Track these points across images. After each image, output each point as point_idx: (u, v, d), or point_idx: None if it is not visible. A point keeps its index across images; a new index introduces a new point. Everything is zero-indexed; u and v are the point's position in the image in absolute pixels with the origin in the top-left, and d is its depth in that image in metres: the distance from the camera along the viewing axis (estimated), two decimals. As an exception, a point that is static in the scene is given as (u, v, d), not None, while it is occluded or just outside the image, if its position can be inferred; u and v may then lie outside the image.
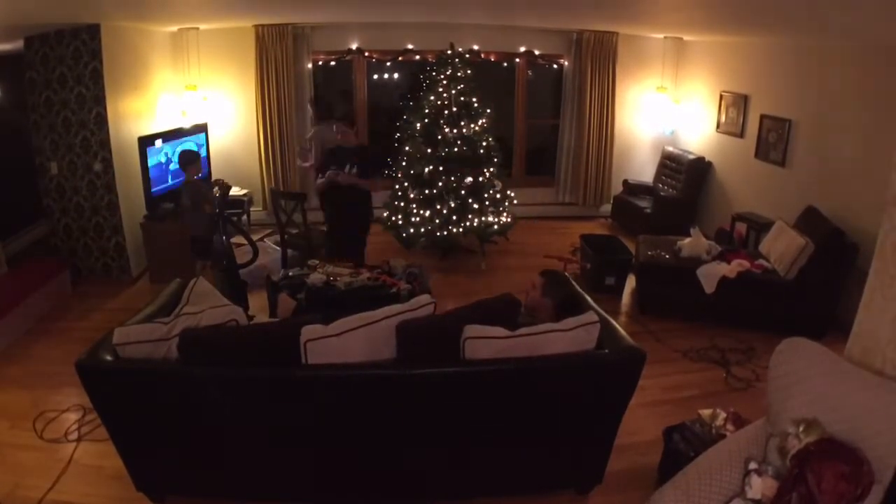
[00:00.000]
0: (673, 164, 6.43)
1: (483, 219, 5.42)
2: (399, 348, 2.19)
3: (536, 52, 6.51)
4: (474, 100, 5.35)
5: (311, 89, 6.28)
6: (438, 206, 5.25)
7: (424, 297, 2.35)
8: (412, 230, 5.39)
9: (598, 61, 6.43)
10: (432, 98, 5.33)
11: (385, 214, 5.65)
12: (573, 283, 2.97)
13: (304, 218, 4.72)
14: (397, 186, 5.51)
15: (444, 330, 2.21)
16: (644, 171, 6.96)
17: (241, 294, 4.03)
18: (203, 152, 5.78)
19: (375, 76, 6.77)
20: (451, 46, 5.38)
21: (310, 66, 6.21)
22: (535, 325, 2.29)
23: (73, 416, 3.04)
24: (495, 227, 5.51)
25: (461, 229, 5.31)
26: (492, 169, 5.42)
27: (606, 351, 2.25)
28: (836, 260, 3.86)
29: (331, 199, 4.61)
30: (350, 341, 2.15)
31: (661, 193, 6.32)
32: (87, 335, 3.56)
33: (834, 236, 3.90)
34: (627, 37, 6.47)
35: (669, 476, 1.97)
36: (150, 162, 4.91)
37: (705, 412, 2.60)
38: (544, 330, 2.23)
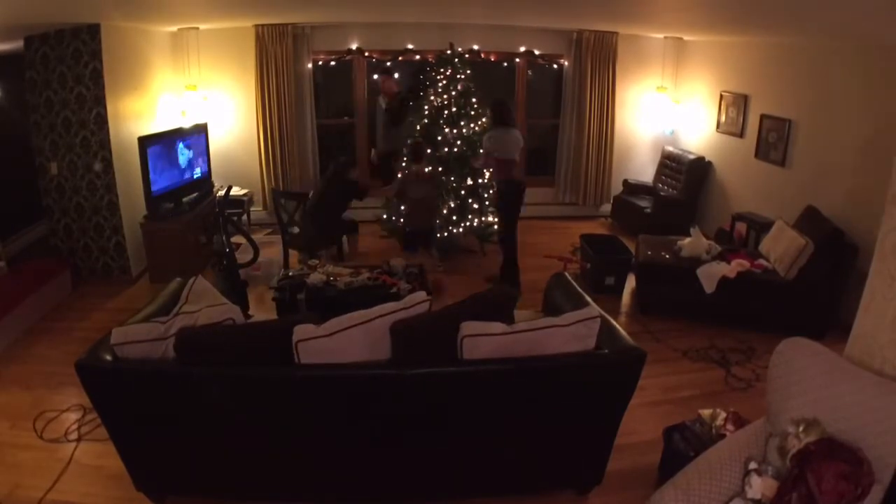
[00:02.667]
0: (673, 164, 6.43)
1: (483, 219, 5.42)
2: (394, 348, 2.17)
3: (536, 52, 6.51)
4: (474, 100, 5.36)
5: (311, 89, 6.28)
6: (438, 207, 5.25)
7: (419, 295, 2.32)
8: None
9: (598, 61, 6.43)
10: (432, 98, 5.33)
11: (385, 216, 5.66)
12: (573, 282, 2.97)
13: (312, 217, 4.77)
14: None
15: (439, 328, 2.19)
16: (644, 171, 6.96)
17: (241, 294, 4.04)
18: (203, 152, 5.78)
19: (375, 76, 6.76)
20: (451, 46, 5.38)
21: (310, 66, 6.21)
22: (535, 321, 2.28)
23: (73, 416, 3.04)
24: (495, 226, 5.51)
25: (461, 229, 5.31)
26: (491, 170, 5.42)
27: (606, 351, 2.25)
28: (836, 260, 3.85)
29: None
30: (343, 341, 2.13)
31: (661, 193, 6.32)
32: (87, 335, 3.59)
33: (834, 236, 3.89)
34: (627, 37, 6.47)
35: (669, 476, 1.97)
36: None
37: (705, 412, 2.60)
38: (543, 325, 2.22)
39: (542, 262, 5.22)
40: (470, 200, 5.31)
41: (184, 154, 5.39)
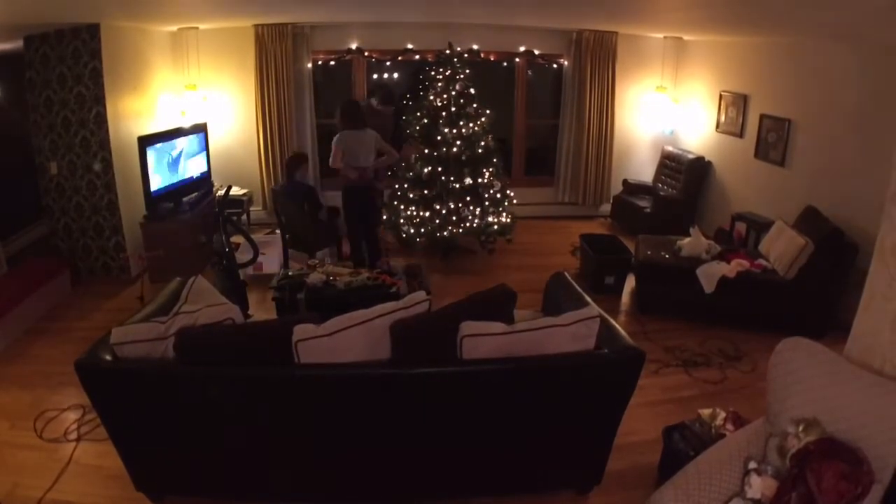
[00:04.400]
0: (673, 164, 6.44)
1: (483, 219, 5.42)
2: (394, 347, 2.17)
3: (536, 52, 6.51)
4: (472, 100, 5.35)
5: (310, 89, 6.28)
6: (438, 207, 5.25)
7: (419, 295, 2.32)
8: (412, 230, 5.39)
9: (598, 61, 6.43)
10: (431, 98, 5.33)
11: (384, 217, 5.65)
12: (573, 282, 2.97)
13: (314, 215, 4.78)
14: (396, 186, 5.51)
15: (439, 327, 2.18)
16: (644, 170, 6.96)
17: (240, 294, 4.03)
18: (203, 152, 5.78)
19: (375, 76, 6.76)
20: (450, 46, 5.37)
21: (310, 65, 6.21)
22: (534, 321, 2.28)
23: (72, 416, 3.04)
24: (495, 227, 5.51)
25: (461, 230, 5.31)
26: (491, 169, 5.42)
27: (606, 350, 2.25)
28: (835, 260, 3.85)
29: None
30: (343, 341, 2.13)
31: (661, 193, 6.32)
32: (87, 335, 3.57)
33: (834, 236, 3.89)
34: (627, 36, 6.47)
35: (669, 476, 1.97)
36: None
37: (705, 412, 2.61)
38: (543, 325, 2.22)
39: (542, 262, 5.22)
40: (469, 200, 5.30)
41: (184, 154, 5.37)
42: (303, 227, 4.82)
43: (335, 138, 4.67)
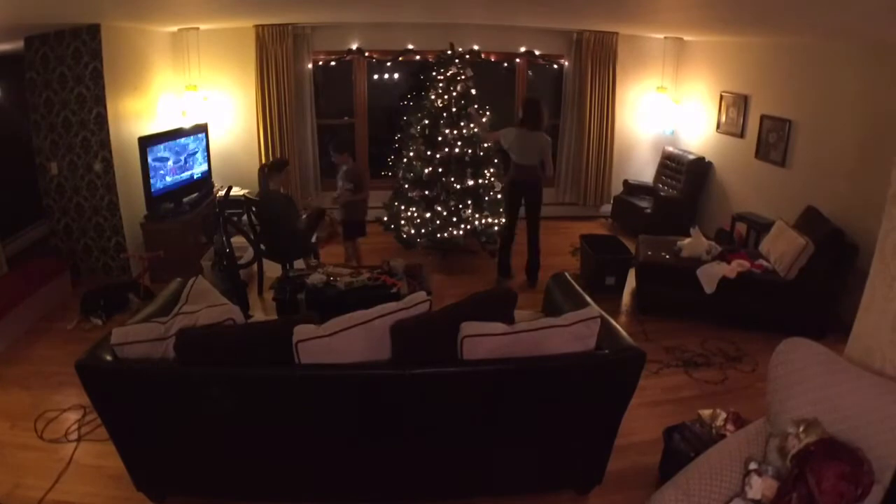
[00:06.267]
0: (673, 164, 6.44)
1: (484, 220, 5.42)
2: (394, 348, 2.17)
3: (536, 53, 6.52)
4: (474, 101, 5.34)
5: (311, 89, 6.28)
6: (438, 208, 5.25)
7: (419, 295, 2.32)
8: (412, 231, 5.39)
9: (599, 61, 6.43)
10: (433, 98, 5.33)
11: (385, 219, 5.65)
12: (573, 282, 2.97)
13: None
14: (397, 187, 5.51)
15: (439, 328, 2.18)
16: (644, 171, 6.96)
17: (240, 294, 4.04)
18: (203, 152, 5.79)
19: (375, 76, 6.77)
20: (451, 46, 5.37)
21: (310, 66, 6.21)
22: (535, 321, 2.28)
23: (73, 416, 3.04)
24: (496, 227, 5.51)
25: (461, 231, 5.31)
26: (492, 170, 5.42)
27: (606, 351, 2.25)
28: (836, 260, 3.85)
29: None
30: (343, 341, 2.13)
31: (662, 193, 6.32)
32: (87, 335, 3.58)
33: (834, 236, 3.89)
34: (627, 37, 6.47)
35: (669, 476, 1.97)
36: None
37: (705, 412, 2.60)
38: (544, 325, 2.22)
39: (543, 262, 5.21)
40: (470, 202, 5.30)
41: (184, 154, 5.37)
42: (278, 237, 4.52)
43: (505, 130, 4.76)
